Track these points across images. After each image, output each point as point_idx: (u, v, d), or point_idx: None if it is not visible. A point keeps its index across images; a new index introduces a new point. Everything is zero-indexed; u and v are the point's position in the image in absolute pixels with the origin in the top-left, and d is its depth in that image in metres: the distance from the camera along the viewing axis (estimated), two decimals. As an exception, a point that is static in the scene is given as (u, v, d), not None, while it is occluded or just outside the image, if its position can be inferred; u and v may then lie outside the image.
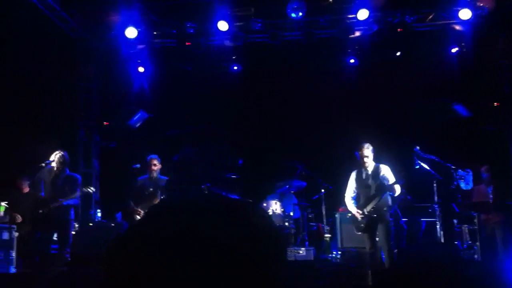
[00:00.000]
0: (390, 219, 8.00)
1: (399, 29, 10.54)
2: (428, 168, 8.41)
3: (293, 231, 10.24)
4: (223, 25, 10.57)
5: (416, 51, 11.41)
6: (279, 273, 1.29)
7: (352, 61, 11.72)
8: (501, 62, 11.00)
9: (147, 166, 8.97)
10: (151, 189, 8.73)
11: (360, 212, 7.85)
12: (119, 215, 10.03)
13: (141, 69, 11.95)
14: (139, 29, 10.81)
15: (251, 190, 10.13)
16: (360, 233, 7.97)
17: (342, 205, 9.39)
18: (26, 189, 9.44)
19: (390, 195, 7.86)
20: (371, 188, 7.85)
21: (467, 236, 9.48)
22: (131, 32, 10.70)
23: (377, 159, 8.06)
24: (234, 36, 10.96)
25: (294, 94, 12.00)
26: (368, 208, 7.77)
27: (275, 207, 10.10)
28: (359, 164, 8.05)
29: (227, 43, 11.27)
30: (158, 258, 1.21)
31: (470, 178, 8.91)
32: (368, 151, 7.90)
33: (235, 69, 12.26)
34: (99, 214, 10.93)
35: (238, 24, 10.91)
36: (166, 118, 11.47)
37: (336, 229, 10.36)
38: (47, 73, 10.36)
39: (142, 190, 8.87)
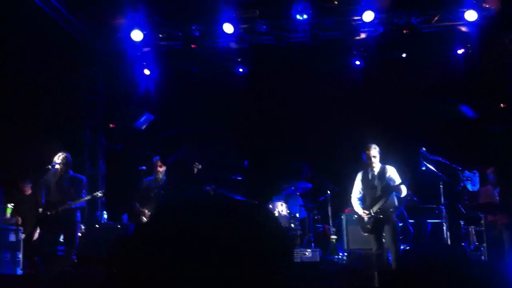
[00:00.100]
0: (397, 220, 7.99)
1: (404, 31, 10.52)
2: (434, 169, 8.39)
3: (299, 232, 10.22)
4: (228, 28, 10.58)
5: (422, 52, 11.38)
6: (285, 274, 1.29)
7: (357, 62, 11.70)
8: (507, 63, 10.96)
9: (153, 168, 9.00)
10: (156, 190, 8.75)
11: (367, 212, 7.84)
12: (125, 217, 10.06)
13: (146, 72, 11.97)
14: (145, 32, 10.83)
15: (256, 192, 10.13)
16: (366, 234, 7.96)
17: (348, 206, 9.37)
18: (29, 191, 9.48)
19: (396, 196, 7.85)
20: (377, 189, 7.84)
21: (474, 237, 9.45)
22: (136, 35, 10.72)
23: (383, 160, 8.04)
24: (240, 38, 10.97)
25: (299, 96, 12.00)
26: (374, 209, 7.76)
27: (281, 208, 10.09)
28: (365, 165, 8.04)
29: (233, 45, 11.28)
30: (162, 259, 1.21)
31: (477, 179, 8.88)
32: (375, 151, 7.89)
33: (241, 71, 12.27)
34: (105, 216, 10.95)
35: (243, 26, 10.92)
36: (172, 120, 11.50)
37: (342, 230, 10.35)
38: (52, 75, 10.40)
39: (147, 192, 8.90)
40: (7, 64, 9.59)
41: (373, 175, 7.94)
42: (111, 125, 12.03)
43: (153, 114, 11.98)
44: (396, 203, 7.88)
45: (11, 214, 9.07)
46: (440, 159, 8.58)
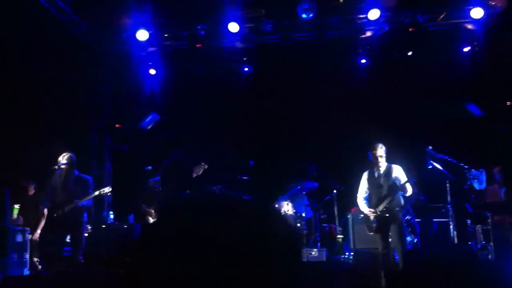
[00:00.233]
0: (403, 219, 7.96)
1: (410, 29, 10.48)
2: (441, 168, 8.36)
3: (305, 232, 10.22)
4: (233, 27, 10.57)
5: (428, 50, 11.35)
6: (294, 274, 1.28)
7: (363, 61, 11.68)
8: (514, 61, 10.90)
9: (159, 168, 9.01)
10: (158, 191, 8.76)
11: (373, 211, 7.81)
12: (131, 217, 10.08)
13: (152, 71, 11.99)
14: (150, 32, 10.84)
15: (262, 191, 10.13)
16: (372, 233, 7.93)
17: (354, 206, 9.35)
18: (32, 192, 9.51)
19: (402, 195, 7.83)
20: (383, 188, 7.81)
21: (481, 236, 9.40)
22: (142, 35, 10.73)
23: (389, 159, 8.02)
24: (245, 38, 10.96)
25: (305, 95, 11.99)
26: (380, 207, 7.74)
27: (286, 208, 10.09)
28: (371, 164, 8.02)
29: (238, 44, 11.27)
30: (168, 261, 1.20)
31: (484, 177, 8.84)
32: (381, 150, 7.87)
33: (246, 71, 12.26)
34: (111, 216, 10.97)
35: (248, 25, 10.91)
36: (177, 120, 11.51)
37: (349, 230, 10.33)
38: (57, 76, 10.42)
39: (154, 192, 8.90)
40: (10, 65, 9.61)
41: (379, 174, 7.92)
42: (117, 126, 12.05)
43: (158, 114, 11.99)
44: (402, 202, 7.85)
45: (18, 214, 9.11)
46: (447, 157, 8.55)
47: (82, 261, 7.88)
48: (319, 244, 10.57)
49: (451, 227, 8.56)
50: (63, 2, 10.02)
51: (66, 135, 10.19)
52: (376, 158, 7.87)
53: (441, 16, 10.69)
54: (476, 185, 8.82)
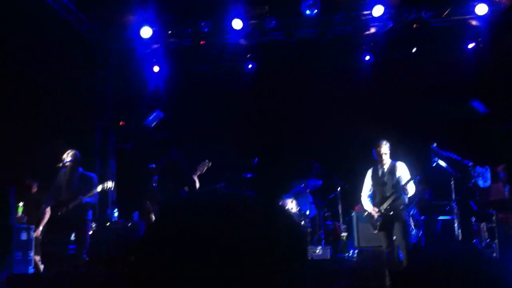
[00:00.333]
0: (407, 217, 7.93)
1: (415, 25, 10.45)
2: (445, 165, 8.32)
3: (309, 230, 10.21)
4: (237, 24, 10.56)
5: (432, 47, 11.30)
6: (300, 273, 1.27)
7: (367, 58, 11.64)
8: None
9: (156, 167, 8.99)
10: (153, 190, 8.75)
11: (376, 209, 7.78)
12: (136, 215, 10.08)
13: (156, 69, 11.98)
14: (154, 29, 10.84)
15: (266, 189, 10.12)
16: (376, 231, 7.91)
17: (358, 204, 9.33)
18: (35, 190, 9.53)
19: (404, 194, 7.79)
20: (387, 186, 7.77)
21: (486, 234, 9.36)
22: (146, 32, 10.73)
23: (394, 156, 7.98)
24: (249, 35, 10.95)
25: (309, 92, 11.97)
26: (384, 206, 7.70)
27: (290, 206, 10.08)
28: (375, 162, 7.98)
29: (242, 41, 11.26)
30: (174, 260, 1.19)
31: (489, 175, 8.81)
32: (386, 148, 7.82)
33: (250, 68, 12.24)
34: (116, 214, 10.97)
35: (252, 22, 10.89)
36: (181, 118, 11.51)
37: (353, 228, 10.31)
38: (62, 74, 10.42)
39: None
40: (10, 64, 9.61)
41: (383, 171, 7.88)
42: (121, 123, 12.05)
43: (163, 112, 11.99)
44: (406, 200, 7.82)
45: (22, 212, 9.13)
46: (451, 154, 8.51)
47: (87, 259, 7.88)
48: (323, 242, 10.55)
49: (455, 225, 8.54)
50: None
51: (70, 133, 10.20)
52: (380, 156, 7.82)
53: (446, 13, 10.65)
54: (481, 183, 8.78)
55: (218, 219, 1.21)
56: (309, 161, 10.85)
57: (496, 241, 8.86)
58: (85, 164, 8.38)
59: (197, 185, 9.26)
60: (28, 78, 9.89)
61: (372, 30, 10.89)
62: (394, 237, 7.73)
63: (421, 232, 9.65)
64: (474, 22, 10.61)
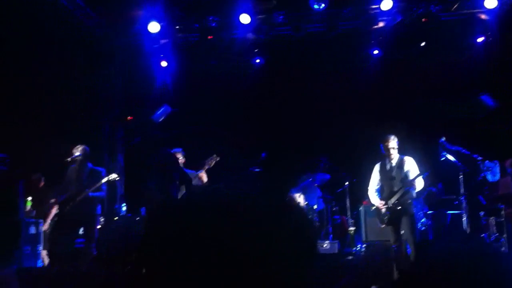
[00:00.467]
0: (415, 211, 7.92)
1: (423, 19, 10.38)
2: (454, 159, 8.29)
3: (317, 224, 10.20)
4: (245, 18, 10.54)
5: (441, 41, 11.23)
6: (305, 272, 1.27)
7: (376, 52, 11.59)
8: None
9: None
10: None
11: (384, 203, 7.77)
12: (143, 209, 10.10)
13: (164, 64, 11.99)
14: (162, 24, 10.84)
15: (274, 183, 10.11)
16: (384, 226, 7.90)
17: (366, 198, 9.30)
18: (42, 184, 9.59)
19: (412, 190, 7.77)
20: (395, 180, 7.75)
21: (494, 228, 9.32)
22: (153, 27, 10.74)
23: (402, 151, 7.96)
24: (257, 29, 10.93)
25: (317, 87, 11.93)
26: (392, 200, 7.69)
27: (298, 200, 10.07)
28: (383, 156, 7.96)
29: (250, 36, 11.23)
30: (174, 260, 1.19)
31: (497, 169, 8.77)
32: (394, 142, 7.81)
33: (258, 62, 12.22)
34: (124, 208, 11.01)
35: (260, 17, 10.86)
36: (189, 112, 11.51)
37: (361, 222, 10.30)
38: (70, 70, 10.44)
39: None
40: (21, 59, 9.65)
41: (391, 166, 7.86)
42: (129, 118, 12.06)
43: (170, 107, 12.00)
44: (414, 194, 7.80)
45: (31, 207, 9.19)
46: (460, 149, 8.47)
47: (95, 253, 7.92)
48: (331, 236, 10.55)
49: (464, 219, 8.51)
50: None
51: (78, 129, 10.23)
52: (388, 150, 7.81)
53: (455, 6, 10.58)
54: (490, 177, 8.74)
55: (218, 219, 1.21)
56: (317, 155, 10.83)
57: (505, 235, 8.83)
58: (93, 159, 8.41)
59: (205, 179, 9.28)
60: (34, 73, 9.91)
61: (381, 24, 10.83)
62: (402, 232, 7.72)
63: (429, 222, 9.65)
64: (483, 16, 10.53)
